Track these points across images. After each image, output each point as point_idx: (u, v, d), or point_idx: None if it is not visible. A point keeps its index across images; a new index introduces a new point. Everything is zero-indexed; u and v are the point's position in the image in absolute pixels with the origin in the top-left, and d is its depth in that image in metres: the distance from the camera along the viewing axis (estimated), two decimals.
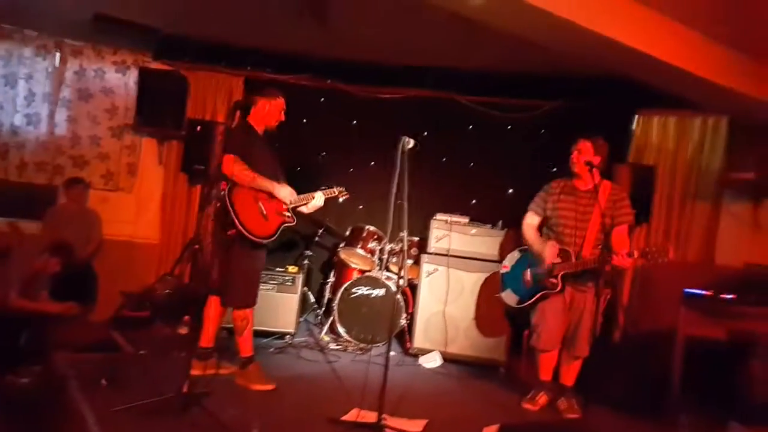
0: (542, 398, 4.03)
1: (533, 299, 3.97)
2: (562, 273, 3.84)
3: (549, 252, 3.88)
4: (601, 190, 3.84)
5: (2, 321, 4.07)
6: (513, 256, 4.31)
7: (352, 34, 5.14)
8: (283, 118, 3.93)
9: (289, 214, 3.86)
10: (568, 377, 4.02)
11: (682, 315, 4.14)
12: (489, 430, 3.43)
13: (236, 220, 3.61)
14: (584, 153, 3.87)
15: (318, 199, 4.00)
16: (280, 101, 3.90)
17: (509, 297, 4.19)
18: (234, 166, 3.67)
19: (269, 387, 3.85)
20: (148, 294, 5.34)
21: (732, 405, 3.83)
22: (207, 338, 3.92)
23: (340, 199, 4.18)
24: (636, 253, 3.63)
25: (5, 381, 3.55)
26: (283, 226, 3.82)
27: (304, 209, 3.99)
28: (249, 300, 3.87)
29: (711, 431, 3.77)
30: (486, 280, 4.91)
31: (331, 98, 6.16)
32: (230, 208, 3.62)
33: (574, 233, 3.90)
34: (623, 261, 3.63)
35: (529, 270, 4.06)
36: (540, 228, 4.14)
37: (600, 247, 3.79)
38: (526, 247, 4.18)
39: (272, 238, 3.77)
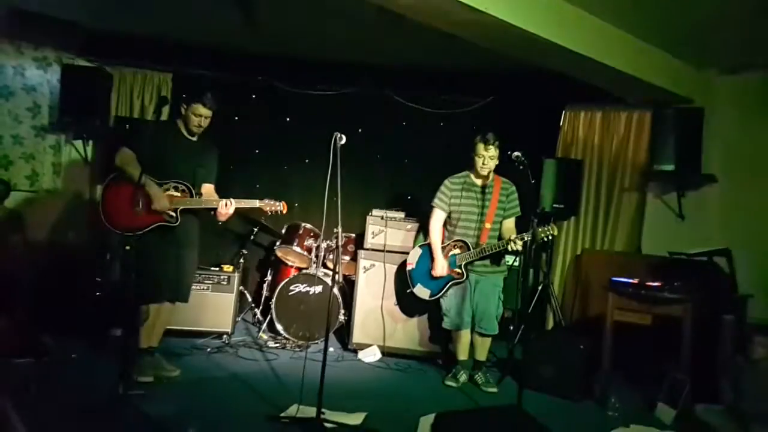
0: (462, 376, 4.41)
1: (443, 290, 4.36)
2: (464, 263, 4.28)
3: (439, 268, 4.34)
4: (495, 186, 4.31)
5: None
6: (416, 253, 4.59)
7: (282, 30, 5.10)
8: (200, 123, 3.86)
9: (173, 214, 3.77)
10: (481, 352, 4.43)
11: (611, 302, 4.33)
12: (426, 420, 3.49)
13: (99, 208, 3.72)
14: (495, 156, 4.28)
15: (225, 207, 3.82)
16: (197, 107, 3.82)
17: (421, 291, 4.50)
18: (119, 158, 3.78)
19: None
20: (78, 297, 5.19)
21: (659, 386, 4.02)
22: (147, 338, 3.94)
23: (267, 210, 3.95)
24: (525, 236, 4.05)
25: None
26: (156, 224, 3.74)
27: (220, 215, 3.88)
28: (146, 295, 3.85)
29: (640, 412, 3.95)
30: (399, 275, 4.97)
31: (263, 95, 6.10)
32: (100, 196, 3.77)
33: (474, 226, 4.33)
34: (516, 245, 4.07)
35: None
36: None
37: (496, 235, 4.31)
38: (425, 243, 4.55)
39: (135, 233, 3.69)
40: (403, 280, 4.73)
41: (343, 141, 3.49)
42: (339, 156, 3.44)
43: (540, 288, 5.50)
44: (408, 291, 4.57)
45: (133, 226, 3.69)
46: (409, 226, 5.11)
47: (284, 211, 3.99)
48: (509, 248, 4.10)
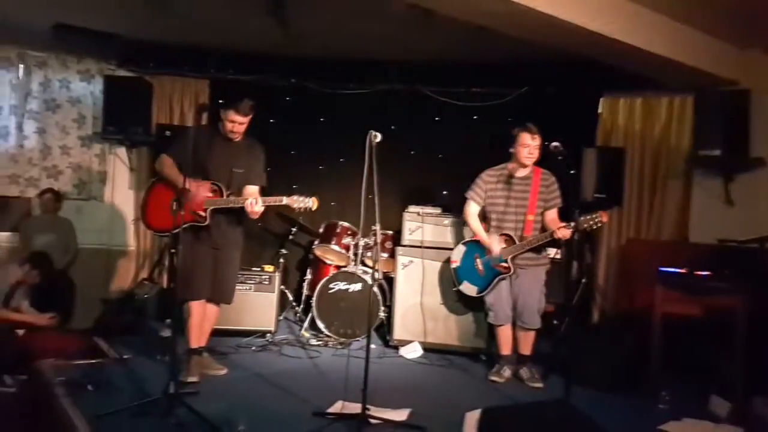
0: (506, 371, 4.34)
1: (491, 286, 4.29)
2: (510, 257, 4.18)
3: (496, 245, 4.21)
4: (534, 176, 4.22)
5: None
6: (459, 250, 4.53)
7: (312, 31, 5.12)
8: (233, 129, 3.89)
9: (202, 214, 3.81)
10: (525, 347, 4.34)
11: (659, 293, 4.21)
12: (471, 416, 3.46)
13: (141, 209, 4.02)
14: (539, 145, 4.18)
15: (250, 206, 3.78)
16: (229, 114, 3.86)
17: (468, 288, 4.44)
18: (158, 164, 3.99)
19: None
20: (128, 299, 5.36)
21: (712, 379, 3.90)
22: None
23: (295, 206, 3.83)
24: (573, 224, 3.89)
25: None
26: (186, 224, 3.71)
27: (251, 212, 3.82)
28: (183, 293, 3.89)
29: (692, 405, 3.81)
30: (441, 271, 4.95)
31: (297, 96, 6.15)
32: (142, 199, 4.01)
33: (515, 218, 4.25)
34: (564, 233, 3.99)
35: (478, 260, 4.38)
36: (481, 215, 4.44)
37: (539, 227, 4.22)
38: (468, 239, 4.51)
39: (168, 232, 3.71)
40: (447, 277, 4.69)
41: (379, 139, 3.48)
42: (374, 154, 3.45)
43: (584, 280, 5.39)
44: (454, 289, 4.54)
45: (166, 227, 3.74)
46: (446, 222, 5.08)
47: (314, 208, 3.85)
48: (557, 236, 4.01)
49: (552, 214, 4.26)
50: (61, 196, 5.71)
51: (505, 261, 4.21)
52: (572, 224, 3.93)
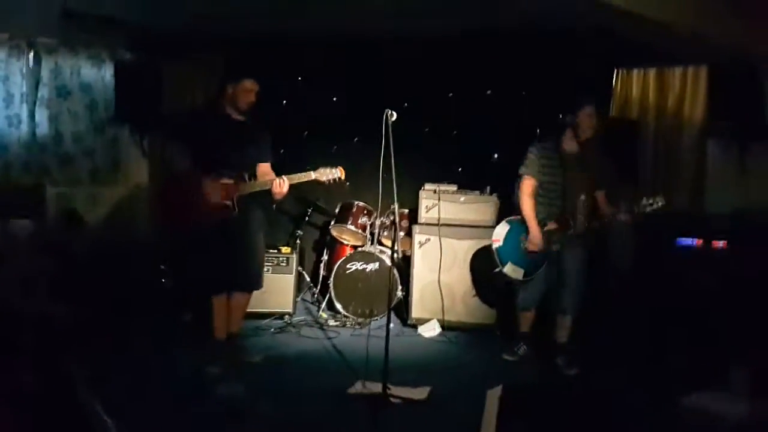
0: (521, 348, 4.29)
1: (540, 269, 4.06)
2: (560, 237, 3.98)
3: (536, 240, 3.98)
4: (588, 153, 3.99)
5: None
6: (503, 228, 4.20)
7: (323, 4, 5.04)
8: (251, 99, 3.86)
9: (229, 203, 3.73)
10: (563, 333, 4.15)
11: (676, 264, 4.20)
12: (493, 393, 3.49)
13: (159, 210, 3.93)
14: (593, 118, 3.96)
15: (278, 186, 3.74)
16: (245, 84, 3.83)
17: (513, 271, 4.11)
18: (167, 154, 3.93)
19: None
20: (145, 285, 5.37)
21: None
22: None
23: (323, 179, 3.79)
24: (635, 208, 3.78)
25: None
26: (216, 219, 3.73)
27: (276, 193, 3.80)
28: (208, 288, 3.96)
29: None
30: (475, 252, 4.95)
31: (309, 76, 6.11)
32: (156, 197, 3.92)
33: (565, 196, 4.00)
34: (625, 218, 3.83)
35: (526, 240, 4.10)
36: None
37: (590, 208, 3.97)
38: (513, 217, 4.21)
39: (197, 229, 3.73)
40: (484, 258, 4.60)
41: (394, 118, 3.49)
42: (390, 132, 3.45)
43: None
44: (496, 270, 4.15)
45: (194, 224, 3.70)
46: (462, 199, 5.08)
47: (342, 177, 3.81)
48: (619, 219, 3.87)
49: (601, 196, 4.08)
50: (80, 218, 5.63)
51: (557, 243, 4.01)
52: (634, 208, 3.79)
